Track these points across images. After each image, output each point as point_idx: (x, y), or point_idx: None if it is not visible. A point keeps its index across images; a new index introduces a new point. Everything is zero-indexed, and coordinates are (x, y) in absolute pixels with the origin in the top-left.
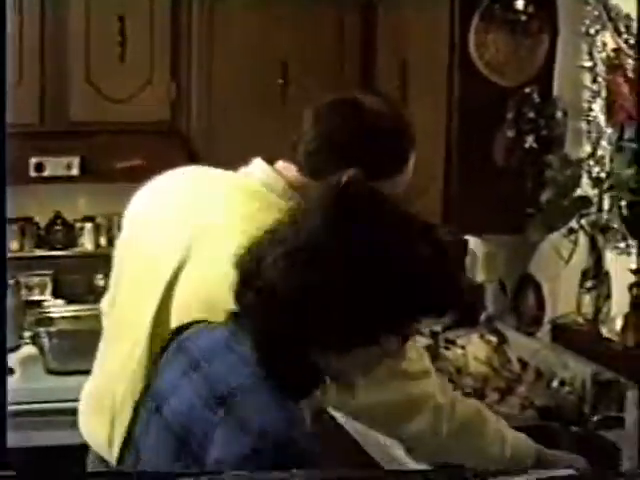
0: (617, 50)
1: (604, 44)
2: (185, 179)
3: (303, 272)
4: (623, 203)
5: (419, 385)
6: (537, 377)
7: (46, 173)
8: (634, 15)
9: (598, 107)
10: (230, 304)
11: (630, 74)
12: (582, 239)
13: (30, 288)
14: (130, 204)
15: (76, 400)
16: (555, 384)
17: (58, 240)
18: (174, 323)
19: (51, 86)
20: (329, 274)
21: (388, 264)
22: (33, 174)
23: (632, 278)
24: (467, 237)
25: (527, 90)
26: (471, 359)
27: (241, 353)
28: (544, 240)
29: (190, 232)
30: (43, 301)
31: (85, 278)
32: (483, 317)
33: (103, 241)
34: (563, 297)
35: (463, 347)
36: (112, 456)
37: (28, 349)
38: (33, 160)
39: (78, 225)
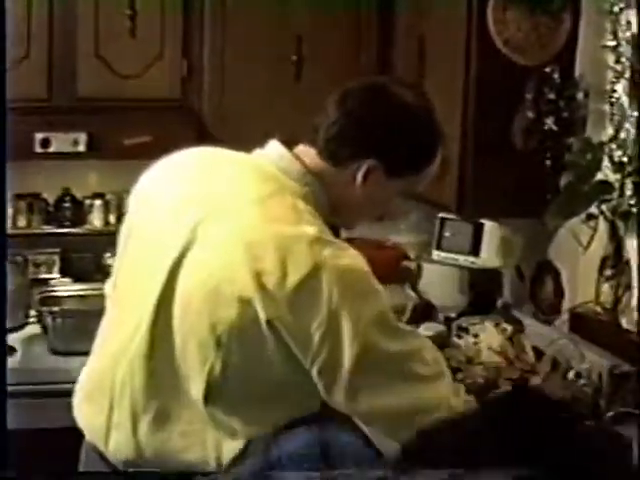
0: None
1: (628, 23)
2: (195, 160)
3: None
4: None
5: (432, 388)
6: (553, 368)
7: (52, 149)
8: None
9: (622, 88)
10: (234, 293)
11: None
12: (602, 225)
13: (38, 265)
14: (138, 182)
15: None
16: (571, 376)
17: (67, 217)
18: (177, 310)
19: (59, 60)
20: None
21: None
22: (39, 150)
23: None
24: (483, 221)
25: (548, 70)
26: (484, 348)
27: None
28: (563, 226)
29: (197, 214)
30: (50, 279)
31: (93, 256)
32: (499, 304)
33: (112, 219)
34: (582, 285)
35: (476, 335)
36: (106, 444)
37: (32, 328)
38: (39, 135)
39: (87, 202)
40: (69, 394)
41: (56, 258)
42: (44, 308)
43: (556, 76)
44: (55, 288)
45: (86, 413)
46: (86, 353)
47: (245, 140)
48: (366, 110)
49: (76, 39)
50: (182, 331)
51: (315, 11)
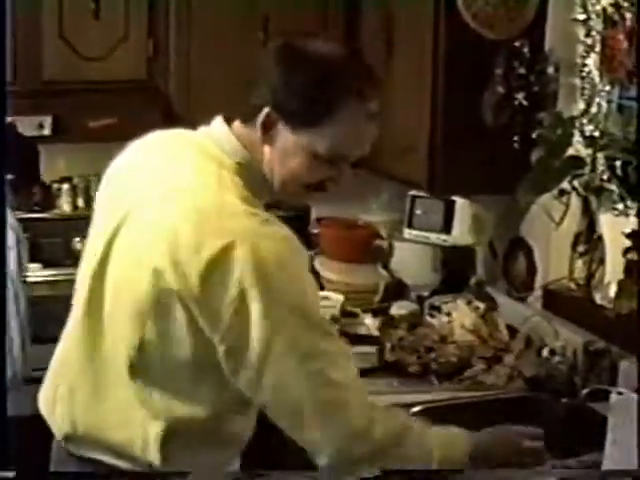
0: (616, 4)
1: None
2: (149, 145)
3: None
4: (618, 163)
5: (339, 395)
6: (526, 346)
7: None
8: None
9: (592, 62)
10: (149, 266)
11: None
12: (574, 201)
13: None
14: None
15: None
16: (545, 353)
17: (35, 202)
18: (107, 289)
19: (24, 44)
20: None
21: None
22: None
23: (627, 242)
24: (454, 199)
25: (517, 44)
26: (457, 327)
27: None
28: (535, 202)
29: (130, 201)
30: None
31: (63, 241)
32: (472, 282)
33: (81, 202)
34: (555, 262)
35: (449, 314)
36: (53, 417)
37: None
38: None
39: (55, 186)
40: (39, 381)
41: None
42: None
43: (526, 50)
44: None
45: (44, 388)
46: (55, 339)
47: (211, 120)
48: (270, 63)
49: (40, 22)
50: (110, 308)
51: None
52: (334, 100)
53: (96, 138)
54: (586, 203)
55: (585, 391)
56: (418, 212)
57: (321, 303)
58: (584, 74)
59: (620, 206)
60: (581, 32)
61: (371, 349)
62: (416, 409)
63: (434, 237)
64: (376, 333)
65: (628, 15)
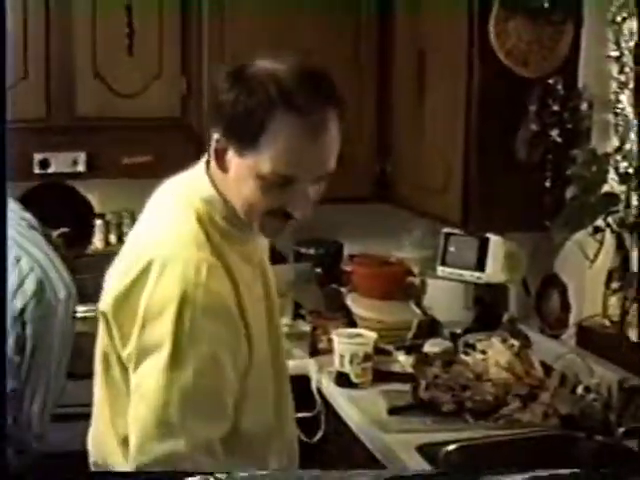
0: None
1: (631, 32)
2: (157, 193)
3: None
4: None
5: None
6: (561, 383)
7: (51, 169)
8: None
9: (626, 99)
10: None
11: None
12: (608, 238)
13: None
14: None
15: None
16: (580, 390)
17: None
18: None
19: (57, 80)
20: None
21: None
22: (38, 171)
23: None
24: (488, 236)
25: (551, 81)
26: (492, 365)
27: None
28: (569, 239)
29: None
30: None
31: (94, 277)
32: (505, 319)
33: (113, 239)
34: (589, 299)
35: (484, 352)
36: None
37: None
38: (38, 156)
39: None
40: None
41: None
42: None
43: (559, 87)
44: None
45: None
46: (88, 375)
47: None
48: (221, 86)
49: (74, 58)
50: None
51: (319, 27)
52: (265, 116)
53: (130, 174)
54: (620, 240)
55: (621, 430)
56: (451, 249)
57: (354, 340)
58: (618, 110)
59: None
60: (614, 69)
61: (405, 387)
62: (451, 447)
63: (467, 275)
64: (410, 370)
65: None
